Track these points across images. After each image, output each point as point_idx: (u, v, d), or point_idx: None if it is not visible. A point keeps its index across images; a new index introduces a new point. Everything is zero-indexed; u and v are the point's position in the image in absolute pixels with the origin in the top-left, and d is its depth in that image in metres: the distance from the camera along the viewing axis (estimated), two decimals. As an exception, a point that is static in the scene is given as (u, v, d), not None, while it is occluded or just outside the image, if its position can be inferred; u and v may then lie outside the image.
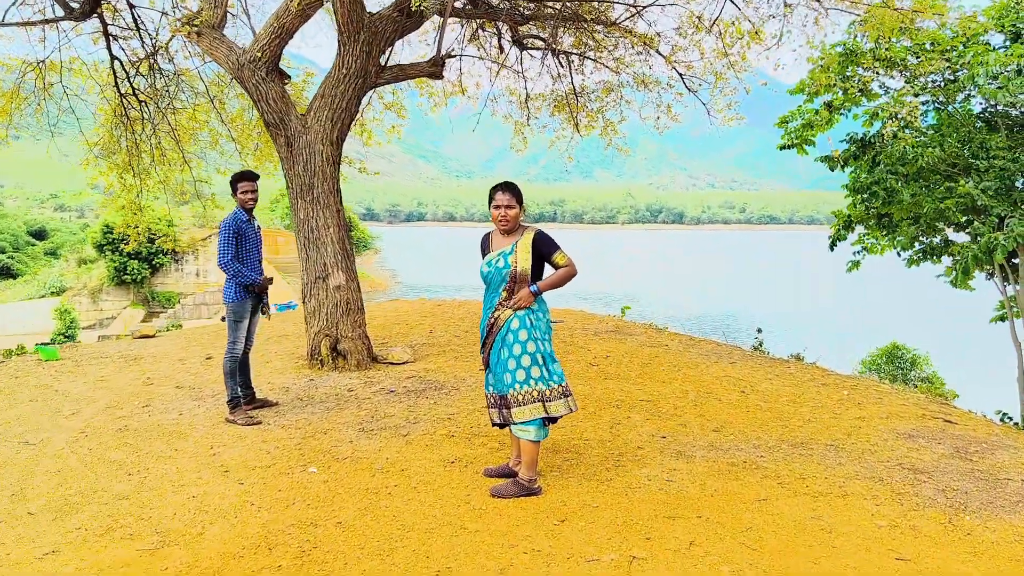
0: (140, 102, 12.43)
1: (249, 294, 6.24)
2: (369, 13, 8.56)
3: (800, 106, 13.61)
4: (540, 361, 4.54)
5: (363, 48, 8.45)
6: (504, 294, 4.63)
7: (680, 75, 12.38)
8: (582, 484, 4.74)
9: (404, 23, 8.67)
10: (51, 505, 4.51)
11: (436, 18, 9.67)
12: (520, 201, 4.67)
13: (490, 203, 4.70)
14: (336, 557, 3.81)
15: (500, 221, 4.65)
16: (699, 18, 10.40)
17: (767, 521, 4.18)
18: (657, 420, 6.13)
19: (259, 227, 6.49)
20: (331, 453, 5.39)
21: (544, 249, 4.60)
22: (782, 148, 12.20)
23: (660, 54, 12.29)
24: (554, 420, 4.59)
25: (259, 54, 7.98)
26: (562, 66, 13.31)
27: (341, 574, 3.65)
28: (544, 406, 4.52)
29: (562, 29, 12.49)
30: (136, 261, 36.61)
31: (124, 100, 12.31)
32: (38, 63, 11.53)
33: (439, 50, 9.18)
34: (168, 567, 3.72)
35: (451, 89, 14.13)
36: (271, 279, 6.42)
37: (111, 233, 34.19)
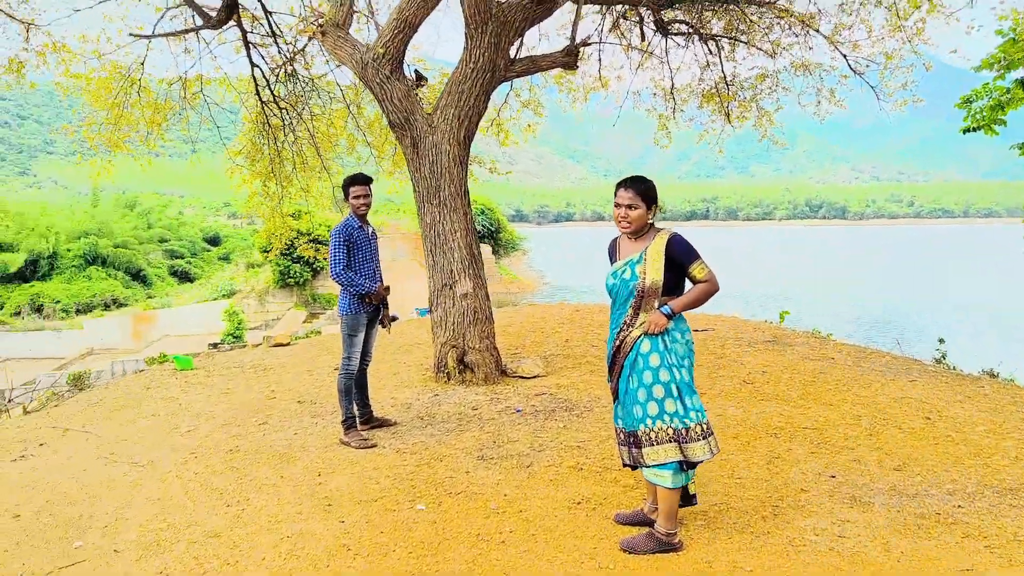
0: (281, 109, 12.46)
1: (365, 306, 5.79)
2: (497, 2, 7.99)
3: (987, 84, 11.99)
4: (675, 393, 3.76)
5: (491, 40, 7.88)
6: (631, 311, 3.89)
7: (844, 56, 11.16)
8: (732, 538, 3.94)
9: (535, 11, 8.04)
10: (140, 541, 4.16)
11: (570, 4, 9.02)
12: (648, 199, 3.88)
13: (614, 199, 3.96)
14: (431, 626, 3.22)
15: (621, 223, 3.91)
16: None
17: (975, 603, 3.25)
18: (824, 454, 5.19)
19: (374, 233, 6.03)
20: (444, 486, 4.82)
21: (680, 258, 3.81)
22: (966, 132, 10.70)
23: (821, 34, 11.13)
24: (693, 465, 3.80)
25: (381, 51, 7.57)
26: (711, 52, 12.31)
27: (434, 651, 3.04)
28: (680, 448, 3.74)
29: (711, 11, 11.54)
30: (298, 265, 37.99)
31: (265, 107, 12.36)
32: (181, 77, 11.75)
33: (573, 38, 8.50)
34: (242, 629, 3.23)
35: (592, 84, 13.46)
36: (388, 288, 5.95)
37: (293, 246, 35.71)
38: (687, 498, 4.02)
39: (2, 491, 5.09)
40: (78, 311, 39.74)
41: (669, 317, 3.77)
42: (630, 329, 3.89)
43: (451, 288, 7.80)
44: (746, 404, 6.47)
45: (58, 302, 39.70)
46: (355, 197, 5.81)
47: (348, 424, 5.77)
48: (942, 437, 5.49)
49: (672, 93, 13.05)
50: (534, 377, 7.72)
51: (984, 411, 6.16)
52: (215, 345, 21.69)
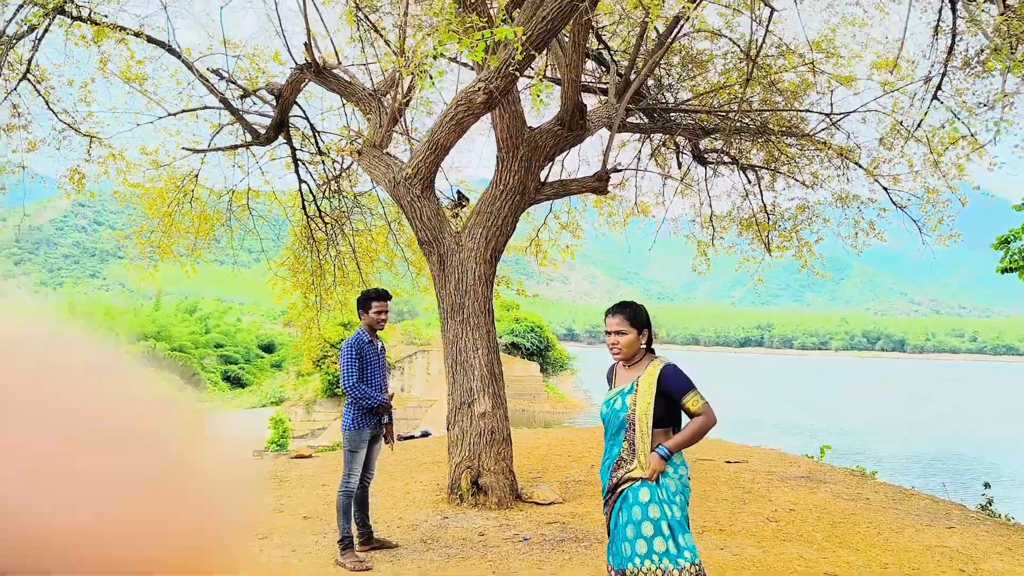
0: (325, 223, 12.80)
1: (368, 421, 5.71)
2: (529, 128, 8.20)
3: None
4: (666, 531, 3.55)
5: (522, 163, 8.05)
6: (626, 445, 3.73)
7: (885, 189, 11.12)
8: None
9: (565, 137, 8.22)
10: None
11: (606, 132, 9.22)
12: (639, 324, 3.77)
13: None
14: None
15: (612, 349, 3.80)
16: (900, 123, 9.23)
17: None
18: (842, 605, 4.84)
19: (383, 348, 6.01)
20: (432, 617, 4.60)
21: (672, 390, 3.66)
22: (1002, 272, 10.42)
23: (860, 167, 11.14)
24: None
25: (411, 171, 7.77)
26: (750, 182, 12.40)
27: None
28: (669, 590, 3.51)
29: (749, 143, 11.69)
30: (346, 376, 38.26)
31: (311, 222, 12.72)
32: (231, 190, 12.22)
33: (604, 164, 8.63)
34: None
35: (632, 209, 13.60)
36: (392, 395, 5.88)
37: (324, 358, 36.15)
38: None
39: None
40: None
41: (665, 459, 3.61)
42: (627, 465, 3.73)
43: (469, 407, 7.69)
44: (767, 544, 6.12)
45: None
46: (377, 312, 5.83)
47: (344, 544, 5.60)
48: (975, 593, 5.09)
49: (711, 220, 13.11)
50: (550, 504, 7.46)
51: (1025, 566, 5.73)
52: (259, 452, 21.74)
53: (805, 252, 12.48)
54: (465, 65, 9.47)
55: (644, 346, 3.82)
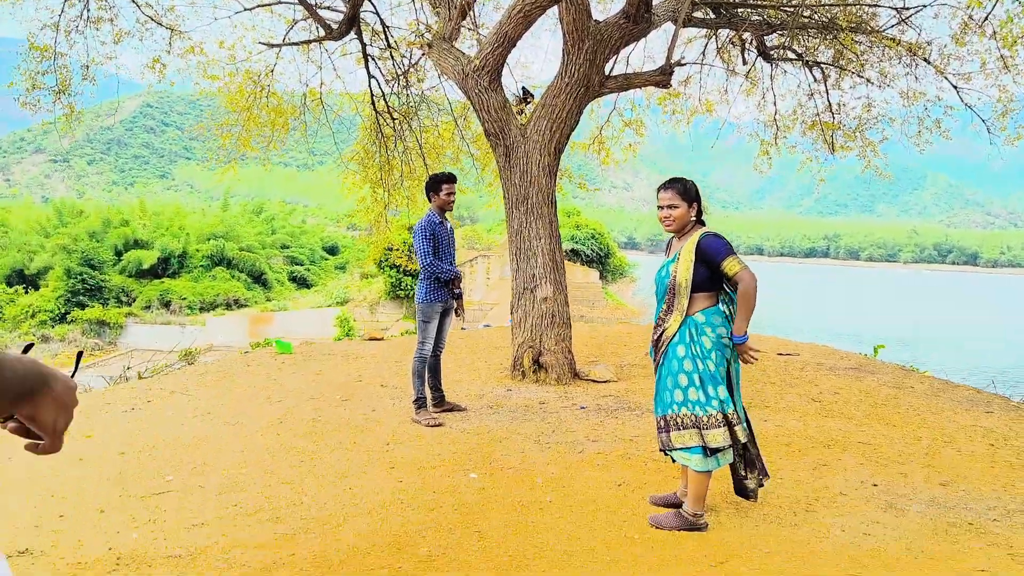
0: (393, 119, 13.17)
1: (440, 295, 6.21)
2: (595, 21, 8.36)
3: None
4: (698, 382, 3.98)
5: (587, 56, 8.26)
6: (664, 307, 4.14)
7: (955, 87, 10.97)
8: (759, 526, 4.13)
9: (631, 30, 8.36)
10: (222, 481, 4.68)
11: (670, 26, 9.30)
12: (689, 198, 4.08)
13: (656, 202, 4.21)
14: (461, 567, 3.56)
15: (664, 222, 4.15)
16: (971, 17, 9.09)
17: (982, 599, 3.35)
18: (873, 466, 5.26)
19: (452, 228, 6.47)
20: (499, 462, 5.17)
21: (709, 256, 3.97)
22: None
23: (929, 63, 10.96)
24: (716, 451, 4.00)
25: (479, 63, 8.06)
26: (816, 80, 12.31)
27: (458, 585, 3.39)
28: (701, 433, 3.97)
29: (817, 39, 11.56)
30: (409, 277, 39.14)
31: (379, 117, 13.10)
32: (307, 84, 12.62)
33: (669, 58, 8.77)
34: (296, 553, 3.66)
35: (696, 107, 13.62)
36: (461, 293, 6.36)
37: (390, 252, 37.03)
38: (743, 491, 4.20)
39: (112, 434, 5.75)
40: (202, 308, 42.10)
41: (745, 342, 3.98)
42: (664, 326, 4.14)
43: (532, 292, 8.16)
44: (808, 419, 6.55)
45: (184, 299, 42.16)
46: (447, 193, 6.26)
47: (419, 404, 6.20)
48: (1001, 461, 5.46)
49: (775, 118, 13.08)
50: (605, 382, 7.98)
51: (1056, 444, 6.05)
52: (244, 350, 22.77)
53: (869, 152, 12.43)
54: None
55: (694, 218, 4.16)
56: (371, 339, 11.19)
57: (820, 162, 13.06)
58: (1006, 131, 10.86)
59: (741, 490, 4.22)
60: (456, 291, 6.25)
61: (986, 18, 8.19)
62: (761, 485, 4.22)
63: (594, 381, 7.98)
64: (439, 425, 6.04)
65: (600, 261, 51.81)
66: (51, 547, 3.66)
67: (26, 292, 40.40)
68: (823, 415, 6.71)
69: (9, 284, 41.24)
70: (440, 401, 6.55)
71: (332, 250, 77.54)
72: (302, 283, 59.51)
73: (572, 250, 48.89)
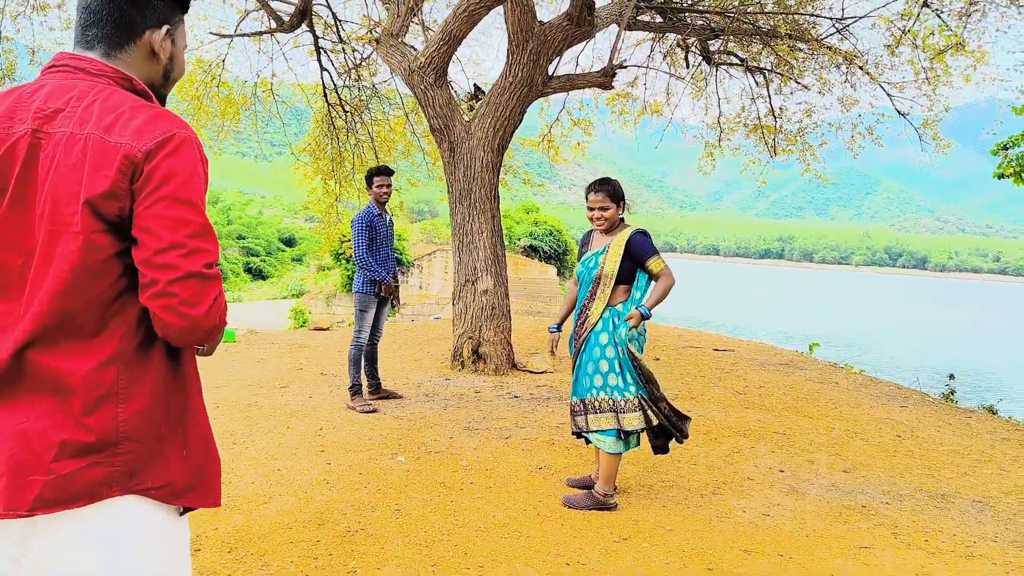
0: (345, 112, 13.26)
1: (376, 287, 6.38)
2: (540, 22, 8.57)
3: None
4: (618, 368, 4.23)
5: (531, 57, 8.46)
6: (588, 294, 4.38)
7: (889, 96, 11.40)
8: (666, 507, 4.38)
9: (574, 33, 8.59)
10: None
11: (615, 27, 9.55)
12: (618, 198, 4.37)
13: (586, 202, 4.45)
14: (376, 541, 3.75)
15: (596, 222, 4.40)
16: (903, 31, 9.49)
17: (859, 571, 3.63)
18: (783, 453, 5.56)
19: (391, 221, 6.64)
20: (427, 446, 5.37)
21: (637, 253, 4.26)
22: (999, 177, 10.78)
23: (867, 72, 11.37)
24: (629, 435, 4.25)
25: (425, 60, 8.23)
26: (759, 85, 12.68)
27: (374, 556, 3.58)
28: (617, 417, 4.21)
29: (760, 45, 11.91)
30: (365, 271, 39.04)
31: (331, 110, 13.19)
32: (258, 74, 12.66)
33: (611, 60, 9.02)
34: (220, 527, 3.82)
35: (643, 109, 13.90)
36: (397, 285, 6.52)
37: (346, 243, 36.90)
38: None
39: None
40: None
41: (646, 316, 4.23)
42: (587, 312, 4.38)
43: (473, 284, 8.36)
44: (730, 410, 6.85)
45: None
46: (379, 186, 6.43)
47: (354, 391, 6.37)
48: (903, 451, 5.80)
49: (719, 121, 13.44)
50: (542, 372, 8.22)
51: (958, 435, 6.42)
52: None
53: (809, 156, 12.83)
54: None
55: (621, 217, 4.42)
56: (316, 329, 11.31)
57: (762, 164, 13.44)
58: (938, 139, 11.29)
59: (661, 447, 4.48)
60: (384, 295, 6.39)
61: (905, 32, 8.54)
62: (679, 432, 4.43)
63: (531, 372, 8.22)
64: (373, 411, 6.21)
65: (558, 258, 52.12)
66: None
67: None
68: (745, 407, 7.02)
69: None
70: (376, 389, 6.72)
71: (289, 241, 76.90)
72: (258, 274, 59.07)
73: (530, 246, 49.08)
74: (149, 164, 1.45)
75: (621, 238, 4.29)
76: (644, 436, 4.61)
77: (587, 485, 4.57)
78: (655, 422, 4.27)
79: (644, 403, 4.24)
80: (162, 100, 1.74)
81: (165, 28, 1.65)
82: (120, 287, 1.50)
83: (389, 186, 6.48)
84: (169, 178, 1.46)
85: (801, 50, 11.53)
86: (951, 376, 9.40)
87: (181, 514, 1.65)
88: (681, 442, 4.47)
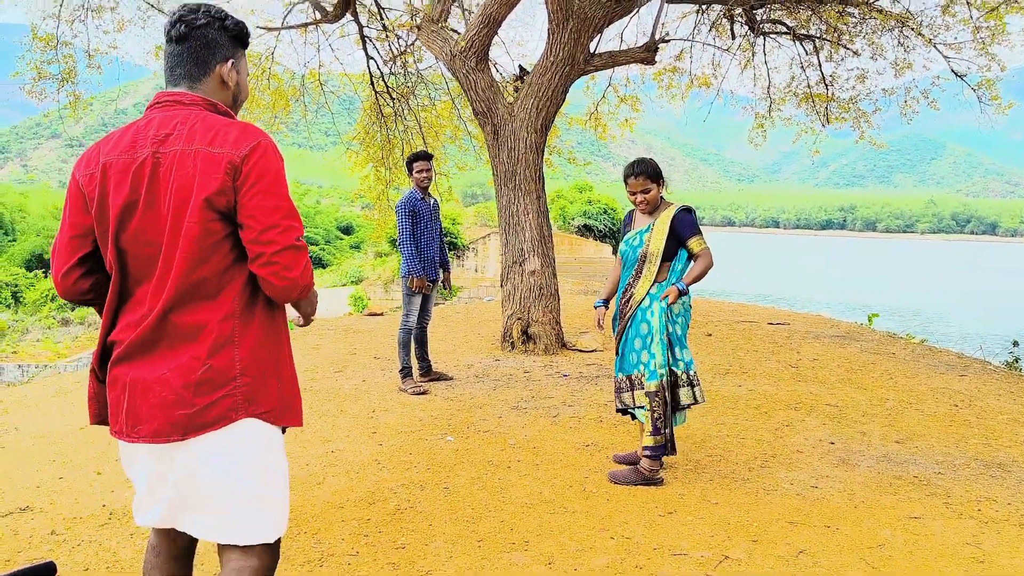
0: (392, 99, 13.40)
1: (423, 271, 6.48)
2: (579, 0, 8.54)
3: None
4: (667, 343, 4.25)
5: (571, 35, 8.44)
6: (633, 273, 4.40)
7: (946, 58, 11.06)
8: (713, 481, 4.39)
9: (614, 9, 8.54)
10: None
11: (658, 3, 9.46)
12: (657, 178, 4.37)
13: (626, 187, 4.45)
14: (425, 518, 3.85)
15: (640, 205, 4.40)
16: (956, -12, 9.19)
17: (908, 540, 3.60)
18: (834, 425, 5.51)
19: (436, 204, 6.72)
20: (476, 426, 5.46)
21: (681, 231, 4.27)
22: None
23: (920, 34, 11.04)
24: (678, 408, 4.28)
25: (465, 44, 8.27)
26: (808, 53, 12.41)
27: (422, 533, 3.68)
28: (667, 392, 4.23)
29: (809, 11, 11.65)
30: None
31: (379, 98, 13.33)
32: (305, 65, 12.86)
33: (653, 35, 8.95)
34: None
35: (692, 82, 13.73)
36: (432, 285, 6.60)
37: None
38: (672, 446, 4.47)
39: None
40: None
41: (682, 292, 4.22)
42: (632, 289, 4.40)
43: (521, 265, 8.42)
44: (782, 384, 6.79)
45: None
46: (419, 171, 6.52)
47: (404, 373, 6.49)
48: (959, 421, 5.69)
49: (768, 92, 13.20)
50: (592, 351, 8.25)
51: (1019, 404, 6.27)
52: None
53: (863, 123, 12.53)
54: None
55: (662, 196, 4.43)
56: (370, 314, 11.51)
57: (815, 134, 13.17)
58: (999, 100, 10.92)
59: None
60: (416, 289, 6.47)
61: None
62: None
63: (580, 351, 8.26)
64: (424, 393, 6.33)
65: (613, 236, 51.84)
66: (50, 504, 3.98)
67: (45, 276, 41.09)
68: (797, 380, 6.96)
69: (28, 268, 41.96)
70: (427, 371, 6.84)
71: (347, 230, 77.76)
72: (317, 263, 59.94)
73: (584, 225, 48.91)
74: (246, 166, 1.96)
75: (666, 216, 4.30)
76: (691, 413, 4.63)
77: (633, 461, 4.61)
78: (702, 399, 4.29)
79: (692, 379, 4.26)
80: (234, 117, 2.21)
81: (230, 62, 2.18)
82: (230, 260, 2.02)
83: (429, 170, 6.55)
84: (262, 176, 1.98)
85: (851, 14, 11.25)
86: (1015, 343, 9.14)
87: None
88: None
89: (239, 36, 2.23)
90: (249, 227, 1.96)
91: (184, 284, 1.96)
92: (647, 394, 4.25)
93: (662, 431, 4.24)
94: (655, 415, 4.22)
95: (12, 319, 35.83)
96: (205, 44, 2.12)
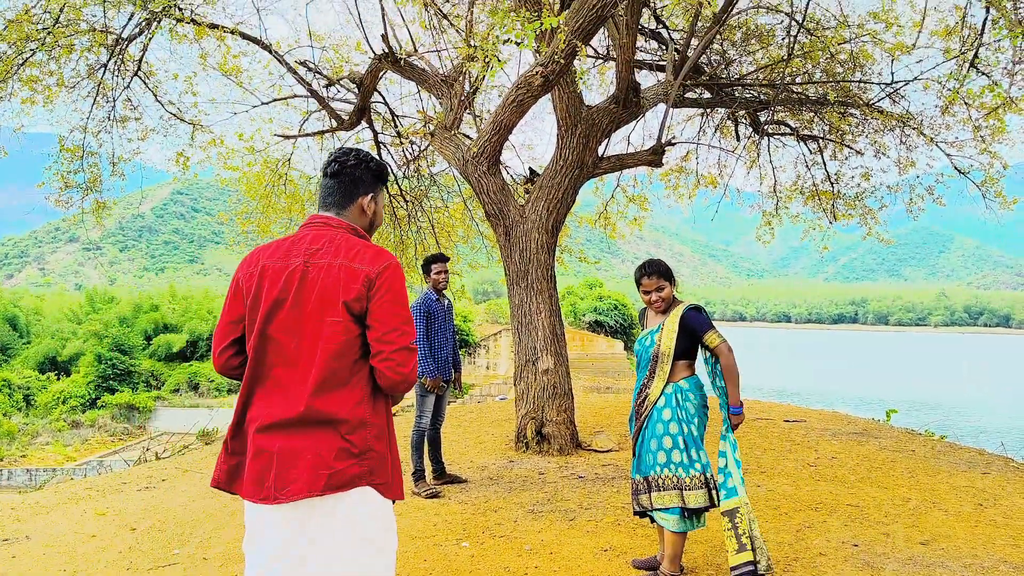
0: (406, 201, 13.69)
1: (436, 372, 6.50)
2: (587, 106, 8.83)
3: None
4: (682, 445, 4.22)
5: (580, 140, 8.69)
6: (648, 373, 4.41)
7: (948, 155, 11.28)
8: (735, 586, 4.28)
9: (620, 115, 8.81)
10: (226, 552, 4.93)
11: (664, 105, 9.74)
12: (670, 277, 4.43)
13: (639, 288, 4.51)
14: (441, 629, 3.76)
15: (654, 305, 4.45)
16: (955, 92, 9.45)
17: (940, 651, 3.49)
18: (857, 527, 5.40)
19: (450, 304, 6.80)
20: (491, 530, 5.37)
21: (694, 329, 4.30)
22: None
23: (922, 133, 11.29)
24: (694, 513, 4.21)
25: (477, 150, 8.51)
26: (812, 152, 12.69)
27: (438, 646, 3.58)
28: (682, 495, 4.18)
29: (810, 113, 11.96)
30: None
31: (392, 200, 13.63)
32: (319, 172, 13.19)
33: (660, 138, 9.19)
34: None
35: (698, 181, 14.00)
36: (447, 385, 6.65)
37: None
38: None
39: (126, 511, 6.02)
40: (229, 391, 42.54)
41: (740, 415, 4.30)
42: (647, 390, 4.40)
43: (534, 364, 8.42)
44: (801, 483, 6.68)
45: (212, 381, 42.67)
46: (437, 272, 6.62)
47: (417, 476, 6.43)
48: (985, 520, 5.57)
49: (775, 190, 13.43)
50: (607, 451, 8.16)
51: (1045, 502, 6.14)
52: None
53: (869, 220, 12.68)
54: (530, 48, 10.11)
55: (674, 295, 4.48)
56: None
57: (823, 230, 13.32)
58: (1002, 196, 11.05)
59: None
60: (429, 389, 6.51)
61: (956, 92, 8.49)
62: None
63: (596, 451, 8.17)
64: (437, 496, 6.25)
65: (624, 332, 51.81)
66: (60, 616, 3.91)
67: (58, 378, 41.17)
68: (816, 479, 6.84)
69: (42, 371, 42.08)
70: (441, 473, 6.77)
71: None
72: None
73: (596, 321, 48.96)
74: (380, 280, 2.46)
75: (675, 315, 4.34)
76: (710, 516, 4.55)
77: (652, 566, 4.51)
78: (717, 504, 4.23)
79: (708, 481, 4.21)
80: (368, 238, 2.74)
81: (370, 195, 2.74)
82: (359, 353, 2.49)
83: (447, 272, 6.66)
84: (390, 288, 2.48)
85: (853, 115, 11.55)
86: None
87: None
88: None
89: (379, 175, 2.76)
90: (375, 328, 2.45)
91: (326, 372, 2.42)
92: (723, 513, 4.23)
93: (747, 547, 4.17)
94: (739, 531, 4.18)
95: (23, 422, 35.72)
96: (352, 180, 2.67)
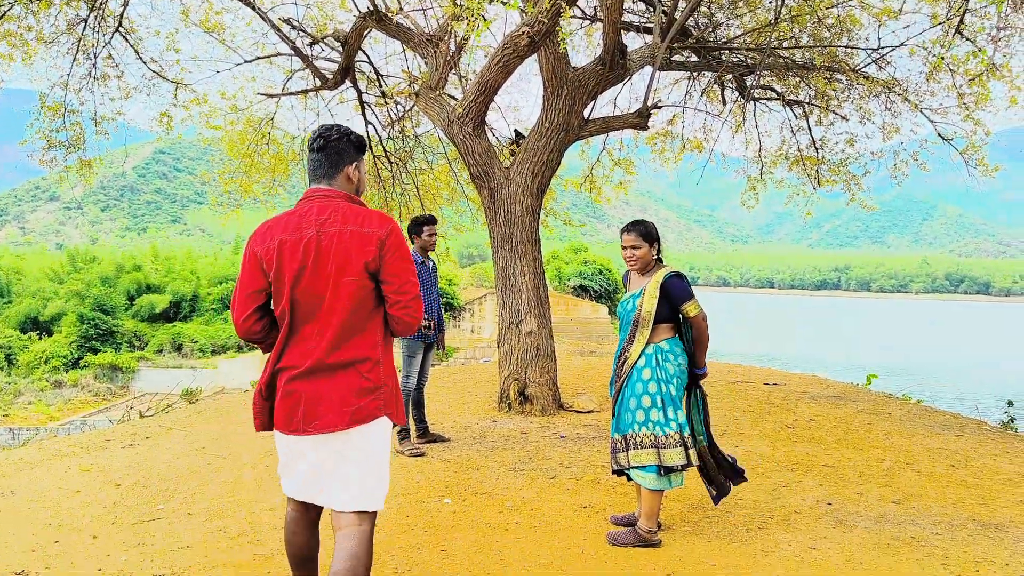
0: (391, 163, 13.62)
1: (422, 334, 6.54)
2: (574, 68, 8.78)
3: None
4: (660, 404, 4.29)
5: (566, 102, 8.66)
6: (628, 336, 4.47)
7: (932, 122, 11.31)
8: (711, 543, 4.38)
9: (607, 76, 8.77)
10: (209, 508, 4.98)
11: (650, 69, 9.69)
12: (650, 239, 4.46)
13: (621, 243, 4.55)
14: (423, 581, 3.84)
15: (629, 262, 4.49)
16: (940, 58, 9.45)
17: (907, 603, 3.60)
18: (831, 486, 5.51)
19: (434, 266, 6.81)
20: (473, 488, 5.45)
21: (674, 296, 4.35)
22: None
23: (907, 99, 11.30)
24: (670, 471, 4.29)
25: (462, 111, 8.47)
26: (798, 117, 12.69)
27: (420, 598, 3.66)
28: (659, 453, 4.25)
29: (796, 78, 11.93)
30: (424, 317, 39.38)
31: (377, 161, 13.55)
32: (304, 131, 13.09)
33: (646, 100, 9.16)
34: (271, 571, 3.95)
35: (685, 145, 13.99)
36: (429, 345, 6.74)
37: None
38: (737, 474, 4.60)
39: (110, 467, 6.06)
40: (213, 352, 42.45)
41: (703, 375, 4.49)
42: (627, 352, 4.46)
43: (517, 327, 8.48)
44: (778, 445, 6.80)
45: (196, 342, 42.57)
46: (428, 234, 6.62)
47: (402, 435, 6.49)
48: (956, 481, 5.70)
49: (760, 155, 13.44)
50: (588, 412, 8.26)
51: (1015, 464, 6.28)
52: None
53: (853, 186, 12.73)
54: (516, 8, 10.01)
55: (655, 257, 4.51)
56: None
57: (807, 196, 13.36)
58: (984, 164, 11.11)
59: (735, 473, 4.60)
60: (429, 334, 6.57)
61: (942, 58, 8.50)
62: (726, 492, 4.57)
63: (578, 411, 8.26)
64: (421, 455, 6.32)
65: (608, 296, 52.00)
66: (45, 569, 3.95)
67: (40, 338, 40.93)
68: (794, 440, 6.96)
69: (23, 331, 41.79)
70: (424, 432, 6.84)
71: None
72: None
73: (580, 286, 49.14)
74: (389, 241, 2.85)
75: (656, 280, 4.37)
76: (687, 474, 4.63)
77: (630, 523, 4.60)
78: (695, 462, 4.31)
79: (685, 440, 4.28)
80: None
81: (354, 164, 3.06)
82: (372, 305, 2.90)
83: (436, 234, 6.67)
84: (399, 247, 2.88)
85: (839, 81, 11.53)
86: (1010, 403, 9.16)
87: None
88: (726, 492, 4.56)
89: (359, 146, 3.08)
90: (391, 282, 2.86)
91: (346, 324, 2.84)
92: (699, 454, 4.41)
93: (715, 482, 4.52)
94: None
95: (5, 381, 35.59)
96: (337, 152, 2.99)
